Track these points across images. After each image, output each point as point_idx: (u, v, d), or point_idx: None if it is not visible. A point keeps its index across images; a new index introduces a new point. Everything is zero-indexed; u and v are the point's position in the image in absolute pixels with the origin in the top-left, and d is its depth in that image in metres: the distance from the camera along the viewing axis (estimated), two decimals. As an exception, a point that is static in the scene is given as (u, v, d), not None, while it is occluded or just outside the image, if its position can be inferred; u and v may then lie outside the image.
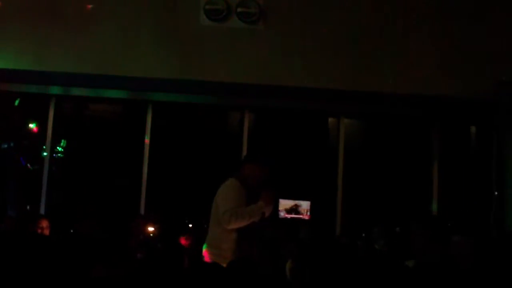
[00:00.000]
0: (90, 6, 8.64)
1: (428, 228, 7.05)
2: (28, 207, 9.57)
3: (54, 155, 9.63)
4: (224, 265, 4.80)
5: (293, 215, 9.50)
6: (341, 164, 9.48)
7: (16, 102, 9.64)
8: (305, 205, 9.47)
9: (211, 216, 5.73)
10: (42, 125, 9.56)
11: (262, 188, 5.70)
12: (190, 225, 9.33)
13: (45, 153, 9.47)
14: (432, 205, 9.39)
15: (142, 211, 9.19)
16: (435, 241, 6.54)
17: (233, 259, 5.33)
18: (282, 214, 9.44)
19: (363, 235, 9.09)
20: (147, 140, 9.45)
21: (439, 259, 5.64)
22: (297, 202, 9.47)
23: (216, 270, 5.29)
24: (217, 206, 5.66)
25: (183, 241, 7.76)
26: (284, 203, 9.41)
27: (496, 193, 9.01)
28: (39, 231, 6.85)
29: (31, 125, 9.76)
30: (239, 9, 8.62)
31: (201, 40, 8.64)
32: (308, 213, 9.46)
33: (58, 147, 9.68)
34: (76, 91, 9.41)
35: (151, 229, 8.50)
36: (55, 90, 9.43)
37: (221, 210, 5.57)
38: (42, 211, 9.19)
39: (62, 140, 9.72)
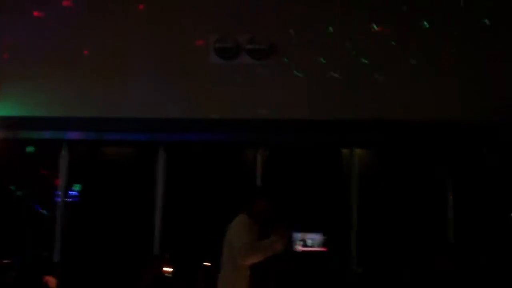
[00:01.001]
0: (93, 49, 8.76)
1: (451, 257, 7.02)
2: (44, 253, 9.54)
3: (68, 199, 9.64)
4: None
5: (308, 248, 9.44)
6: (355, 194, 9.44)
7: (30, 149, 9.69)
8: (320, 237, 9.42)
9: (223, 255, 5.68)
10: (55, 171, 9.60)
11: (274, 223, 5.68)
12: (208, 264, 9.26)
13: (58, 199, 9.49)
14: (449, 233, 9.29)
15: (156, 251, 9.14)
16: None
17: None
18: (299, 247, 9.37)
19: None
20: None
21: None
22: (312, 235, 9.42)
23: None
24: (230, 244, 5.59)
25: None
26: (299, 236, 9.36)
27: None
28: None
29: (44, 171, 9.80)
30: (248, 46, 8.72)
31: (211, 78, 8.72)
32: (323, 245, 9.40)
33: (71, 191, 9.70)
34: (89, 136, 9.47)
35: (166, 269, 8.46)
36: (67, 135, 9.48)
37: (236, 245, 5.48)
38: (56, 256, 9.19)
39: (76, 185, 9.74)
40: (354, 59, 8.67)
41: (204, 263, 9.03)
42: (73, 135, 9.52)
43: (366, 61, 8.63)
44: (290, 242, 8.81)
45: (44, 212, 9.68)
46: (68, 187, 9.67)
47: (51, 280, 7.27)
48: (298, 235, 9.32)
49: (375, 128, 8.85)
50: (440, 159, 9.50)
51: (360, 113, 8.59)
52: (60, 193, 9.57)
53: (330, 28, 8.57)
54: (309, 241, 9.43)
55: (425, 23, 8.32)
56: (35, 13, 8.76)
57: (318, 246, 9.40)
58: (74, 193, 9.72)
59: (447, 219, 9.30)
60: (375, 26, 8.38)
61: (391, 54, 8.67)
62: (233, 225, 5.66)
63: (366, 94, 8.57)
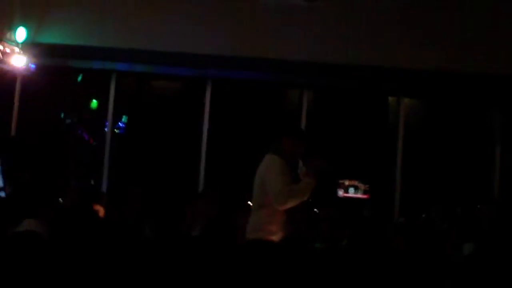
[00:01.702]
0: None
1: (493, 211, 6.95)
2: (92, 182, 9.75)
3: (116, 130, 9.78)
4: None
5: (352, 195, 9.44)
6: (401, 143, 9.35)
7: (79, 78, 9.81)
8: (363, 185, 9.41)
9: (254, 197, 5.50)
10: (104, 101, 9.70)
11: (306, 159, 5.52)
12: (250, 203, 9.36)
13: (106, 129, 9.63)
14: (494, 187, 9.18)
15: (200, 188, 9.26)
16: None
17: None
18: (341, 193, 9.39)
19: (423, 215, 8.97)
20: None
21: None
22: (356, 182, 9.42)
23: (270, 247, 5.25)
24: (262, 186, 5.40)
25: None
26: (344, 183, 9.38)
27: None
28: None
29: (94, 101, 9.93)
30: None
31: (260, 18, 8.62)
32: (368, 193, 9.40)
33: (119, 123, 9.83)
34: (138, 68, 9.50)
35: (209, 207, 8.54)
36: (117, 66, 9.52)
37: (273, 190, 5.30)
38: (104, 186, 9.38)
39: (124, 116, 9.86)
40: (409, 2, 8.46)
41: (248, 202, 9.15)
42: (122, 66, 9.54)
43: (420, 4, 8.38)
44: (328, 177, 8.80)
45: (91, 140, 9.88)
46: (117, 118, 9.79)
47: (100, 209, 7.42)
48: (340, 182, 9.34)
49: (424, 78, 8.68)
50: (489, 114, 9.30)
51: (411, 61, 8.40)
52: (108, 123, 9.66)
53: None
54: (352, 188, 9.43)
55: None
56: None
57: (361, 194, 9.40)
58: (122, 124, 9.86)
59: (494, 175, 9.18)
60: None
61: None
62: (266, 166, 5.45)
63: (417, 44, 8.37)
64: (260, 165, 5.52)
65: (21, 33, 8.42)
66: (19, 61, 8.32)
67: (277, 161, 5.41)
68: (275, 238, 5.33)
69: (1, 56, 8.19)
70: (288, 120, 9.47)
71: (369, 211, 8.76)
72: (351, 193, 9.42)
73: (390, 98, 9.68)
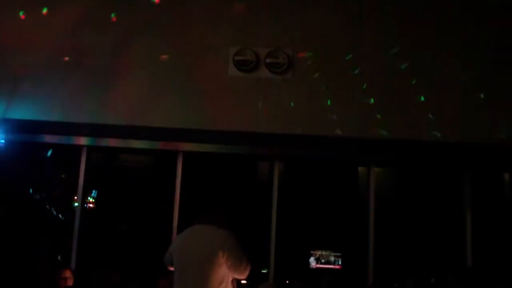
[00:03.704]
0: (118, 57, 8.76)
1: (465, 280, 6.92)
2: (59, 258, 9.58)
3: (85, 205, 9.67)
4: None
5: (323, 266, 9.41)
6: (372, 213, 9.35)
7: (48, 153, 9.75)
8: (335, 256, 9.41)
9: (205, 273, 5.35)
10: (73, 176, 9.62)
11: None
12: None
13: (76, 204, 9.52)
14: (467, 254, 9.17)
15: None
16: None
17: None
18: (313, 264, 9.35)
19: (395, 285, 8.94)
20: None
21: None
22: (327, 252, 9.40)
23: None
24: (215, 260, 5.36)
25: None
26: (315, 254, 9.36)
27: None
28: (63, 282, 6.88)
29: (62, 176, 9.86)
30: (267, 60, 8.66)
31: (230, 91, 8.68)
32: (339, 263, 9.37)
33: (89, 197, 9.74)
34: (107, 142, 9.48)
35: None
36: (86, 141, 9.50)
37: (242, 262, 5.39)
38: (73, 262, 9.20)
39: (94, 191, 9.78)
40: (375, 75, 8.60)
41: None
42: (92, 141, 9.52)
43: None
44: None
45: (60, 216, 9.76)
46: (87, 192, 9.70)
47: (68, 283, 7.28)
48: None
49: (393, 147, 8.78)
50: (460, 181, 9.39)
51: (380, 132, 8.49)
52: (78, 198, 9.56)
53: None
54: (324, 259, 9.41)
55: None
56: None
57: (333, 264, 9.37)
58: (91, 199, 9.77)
59: (466, 240, 9.19)
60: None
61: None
62: (223, 239, 5.44)
63: (387, 113, 8.48)
64: (203, 238, 5.49)
65: (-11, 110, 8.41)
66: (-12, 137, 8.31)
67: (229, 232, 5.47)
68: None
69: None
70: (259, 191, 9.50)
71: (326, 283, 8.77)
72: (324, 263, 9.40)
73: (360, 168, 9.75)
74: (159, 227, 9.51)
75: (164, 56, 8.76)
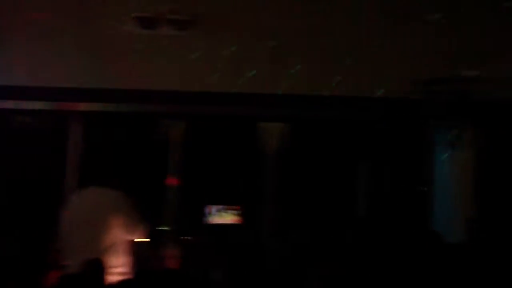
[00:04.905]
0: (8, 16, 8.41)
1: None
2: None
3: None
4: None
5: (222, 221, 9.57)
6: (272, 168, 9.58)
7: None
8: (234, 210, 9.58)
9: (94, 230, 5.51)
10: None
11: None
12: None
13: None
14: (360, 206, 9.62)
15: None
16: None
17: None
18: (211, 220, 9.48)
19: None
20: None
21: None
22: (227, 206, 9.56)
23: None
24: (112, 218, 5.53)
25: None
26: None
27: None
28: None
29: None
30: (169, 16, 8.57)
31: (129, 49, 8.55)
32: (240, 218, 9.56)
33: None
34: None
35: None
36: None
37: (134, 221, 5.62)
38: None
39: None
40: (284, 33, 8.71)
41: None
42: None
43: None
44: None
45: None
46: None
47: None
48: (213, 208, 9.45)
49: (292, 103, 9.01)
50: (357, 135, 9.78)
51: (279, 87, 8.66)
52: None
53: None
54: (223, 214, 9.56)
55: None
56: None
57: (233, 219, 9.54)
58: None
59: (360, 194, 9.63)
60: None
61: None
62: (114, 199, 5.63)
63: (290, 68, 8.63)
64: (95, 200, 5.65)
65: None
66: None
67: (122, 193, 5.65)
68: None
69: None
70: (158, 149, 9.52)
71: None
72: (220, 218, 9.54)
73: (256, 123, 9.92)
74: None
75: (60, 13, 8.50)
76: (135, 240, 5.72)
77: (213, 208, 9.52)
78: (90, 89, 8.69)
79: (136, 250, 5.68)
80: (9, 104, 9.08)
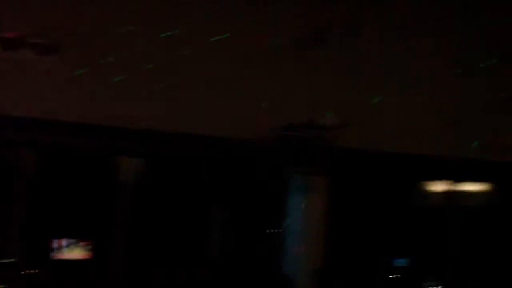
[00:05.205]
0: None
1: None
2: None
3: None
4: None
5: (70, 256, 9.19)
6: (126, 202, 9.38)
7: None
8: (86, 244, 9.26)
9: None
10: None
11: None
12: None
13: None
14: (213, 245, 9.59)
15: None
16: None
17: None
18: (59, 254, 9.07)
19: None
20: None
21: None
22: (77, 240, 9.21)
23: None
24: None
25: None
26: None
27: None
28: None
29: None
30: (31, 40, 8.34)
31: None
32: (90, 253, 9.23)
33: None
34: None
35: None
36: None
37: None
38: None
39: None
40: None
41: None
42: None
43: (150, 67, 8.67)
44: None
45: None
46: None
47: None
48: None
49: (148, 138, 8.92)
50: (214, 175, 9.82)
51: (136, 122, 8.59)
52: None
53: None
54: (73, 248, 9.20)
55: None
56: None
57: (83, 254, 9.17)
58: None
59: (213, 234, 9.62)
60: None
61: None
62: None
63: (144, 104, 8.61)
64: None
65: None
66: None
67: None
68: None
69: None
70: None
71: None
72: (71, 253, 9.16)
73: (115, 157, 9.72)
74: None
75: None
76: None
77: (64, 242, 9.12)
78: None
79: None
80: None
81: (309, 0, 9.31)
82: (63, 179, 9.41)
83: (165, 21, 8.29)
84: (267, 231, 9.94)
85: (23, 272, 8.53)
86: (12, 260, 8.71)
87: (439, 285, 10.28)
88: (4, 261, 8.69)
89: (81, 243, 9.21)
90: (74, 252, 9.14)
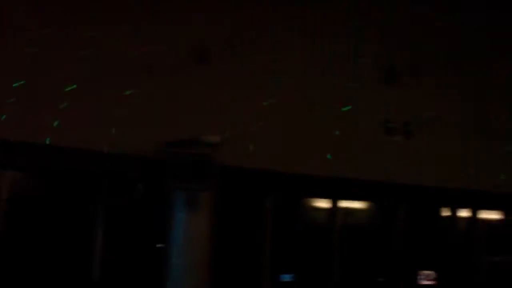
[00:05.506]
0: None
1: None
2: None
3: None
4: None
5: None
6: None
7: None
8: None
9: None
10: None
11: None
12: None
13: None
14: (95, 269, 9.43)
15: None
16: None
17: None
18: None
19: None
20: None
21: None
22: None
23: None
24: None
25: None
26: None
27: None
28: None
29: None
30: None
31: None
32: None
33: None
34: None
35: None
36: None
37: None
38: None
39: None
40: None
41: None
42: None
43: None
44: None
45: None
46: None
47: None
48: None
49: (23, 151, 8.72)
50: (96, 189, 9.66)
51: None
52: None
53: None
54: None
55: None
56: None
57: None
58: None
59: (95, 256, 9.45)
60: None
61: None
62: None
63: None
64: None
65: None
66: None
67: None
68: None
69: None
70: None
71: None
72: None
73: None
74: None
75: None
76: None
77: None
78: None
79: None
80: None
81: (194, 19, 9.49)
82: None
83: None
84: (151, 247, 9.84)
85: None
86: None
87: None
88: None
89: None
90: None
